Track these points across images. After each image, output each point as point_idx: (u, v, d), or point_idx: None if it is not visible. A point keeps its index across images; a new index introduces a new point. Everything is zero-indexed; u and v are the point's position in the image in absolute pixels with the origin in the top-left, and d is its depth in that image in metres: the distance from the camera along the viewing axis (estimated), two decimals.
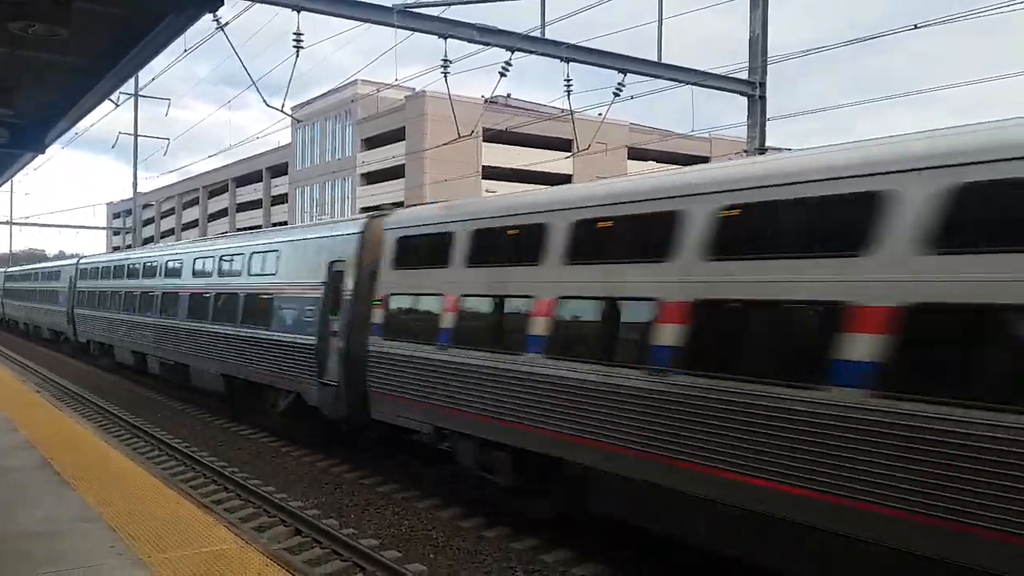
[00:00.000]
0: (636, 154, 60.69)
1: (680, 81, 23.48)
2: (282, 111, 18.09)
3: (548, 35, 19.88)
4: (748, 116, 24.22)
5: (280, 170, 77.70)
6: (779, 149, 23.85)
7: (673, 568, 8.34)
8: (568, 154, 35.16)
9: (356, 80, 58.75)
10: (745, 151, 24.50)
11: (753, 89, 23.92)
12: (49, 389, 21.37)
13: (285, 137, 75.88)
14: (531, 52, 19.82)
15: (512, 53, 19.13)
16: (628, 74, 21.84)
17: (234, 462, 13.86)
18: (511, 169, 54.49)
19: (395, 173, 60.02)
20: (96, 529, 6.95)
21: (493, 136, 48.82)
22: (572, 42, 20.68)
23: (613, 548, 8.90)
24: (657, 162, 58.52)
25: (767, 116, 24.21)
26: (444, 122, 47.84)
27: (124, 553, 6.34)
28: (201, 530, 7.02)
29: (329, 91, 68.26)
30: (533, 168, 48.70)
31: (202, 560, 6.23)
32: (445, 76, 18.20)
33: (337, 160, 67.90)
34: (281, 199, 77.30)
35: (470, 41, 18.29)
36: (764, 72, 24.00)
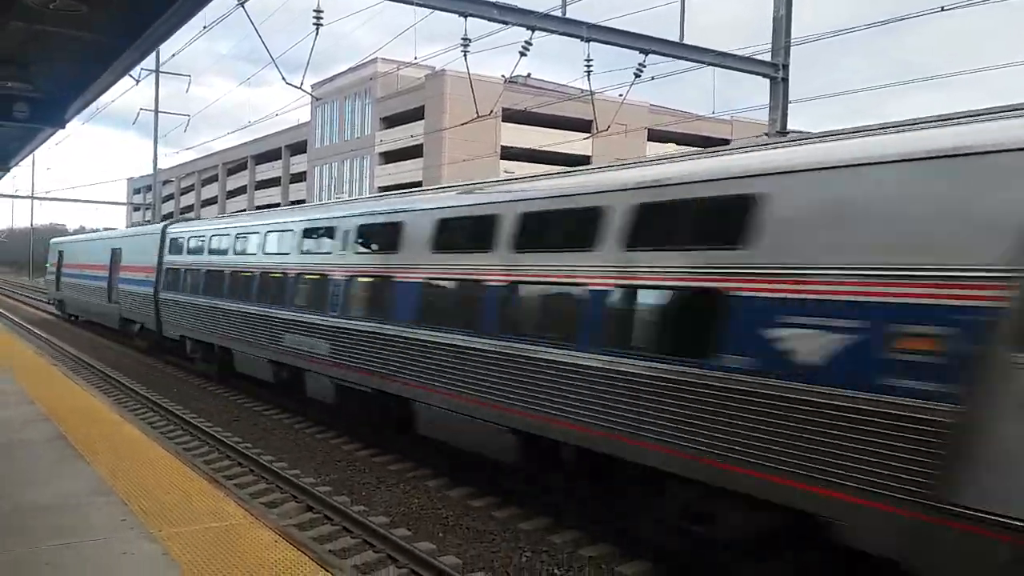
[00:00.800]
0: (656, 136, 60.35)
1: (702, 62, 23.27)
2: (301, 89, 18.07)
3: (569, 14, 19.74)
4: (770, 98, 24.01)
5: (299, 148, 77.80)
6: (802, 131, 23.62)
7: (677, 547, 8.33)
8: (587, 135, 34.95)
9: (376, 58, 58.63)
10: (767, 134, 24.31)
11: (776, 71, 23.68)
12: (64, 362, 21.57)
13: (304, 115, 75.96)
14: (552, 31, 19.65)
15: (532, 32, 18.98)
16: (649, 55, 21.66)
17: (248, 437, 13.96)
18: (529, 149, 54.27)
19: (414, 152, 59.93)
20: (108, 503, 7.01)
21: (512, 116, 48.58)
22: (593, 22, 20.49)
23: (620, 529, 8.90)
24: (678, 144, 58.14)
25: (789, 99, 24.00)
26: (463, 101, 47.85)
27: (135, 527, 6.40)
28: (212, 505, 7.07)
29: (349, 69, 68.16)
30: (551, 149, 48.51)
31: (212, 535, 6.27)
32: (465, 55, 18.11)
33: (356, 139, 67.89)
34: (300, 177, 77.46)
35: (490, 20, 18.16)
36: (787, 54, 23.75)
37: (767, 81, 24.04)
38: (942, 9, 18.37)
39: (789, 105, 24.15)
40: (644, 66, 21.57)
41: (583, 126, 51.50)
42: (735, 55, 23.69)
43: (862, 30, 20.83)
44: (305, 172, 75.81)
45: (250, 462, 12.07)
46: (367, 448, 13.11)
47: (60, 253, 37.68)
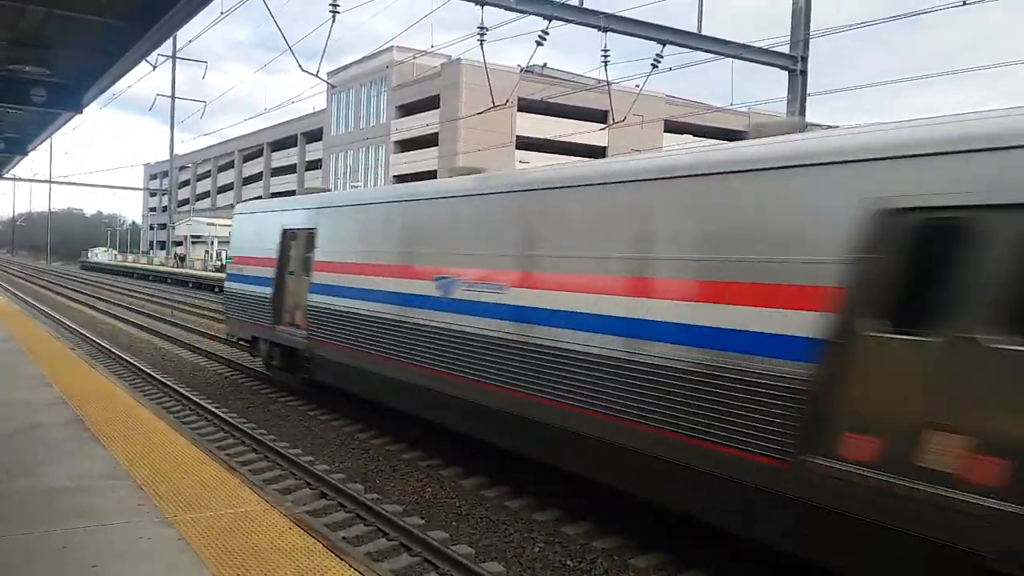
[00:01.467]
0: (673, 127, 60.06)
1: (720, 53, 23.12)
2: (317, 76, 18.06)
3: (586, 4, 19.64)
4: (788, 91, 23.89)
5: (315, 135, 77.96)
6: (820, 125, 23.49)
7: (689, 539, 8.31)
8: (603, 126, 34.86)
9: (392, 47, 58.61)
10: None
11: (794, 63, 23.52)
12: (83, 346, 21.71)
13: (320, 102, 76.04)
14: (569, 21, 19.53)
15: (549, 21, 18.87)
16: (667, 45, 21.53)
17: (263, 424, 14.02)
18: (545, 139, 54.14)
19: (429, 141, 59.90)
20: (123, 487, 7.03)
21: (528, 106, 48.45)
22: (610, 12, 20.36)
23: (632, 521, 8.88)
24: (694, 136, 57.87)
25: (808, 92, 23.85)
26: (479, 91, 47.91)
27: (151, 512, 6.42)
28: (227, 491, 7.09)
29: (364, 57, 68.18)
30: (567, 139, 48.43)
31: (227, 521, 6.29)
32: (481, 44, 18.05)
33: (371, 127, 67.89)
34: (316, 164, 77.58)
35: (507, 8, 18.05)
36: (806, 46, 23.59)
37: (782, 74, 23.89)
38: (964, 3, 18.18)
39: (815, 98, 23.98)
40: (661, 57, 21.44)
41: (599, 116, 51.35)
42: (753, 47, 23.54)
43: (875, 24, 20.63)
44: (320, 160, 75.93)
45: (265, 448, 12.11)
46: (381, 436, 13.14)
47: (290, 234, 16.22)
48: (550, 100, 43.09)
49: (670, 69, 24.59)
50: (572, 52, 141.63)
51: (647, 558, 8.23)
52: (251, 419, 14.38)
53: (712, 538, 8.08)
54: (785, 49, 23.88)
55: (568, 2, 19.42)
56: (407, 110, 63.80)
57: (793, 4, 23.31)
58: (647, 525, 8.78)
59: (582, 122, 53.30)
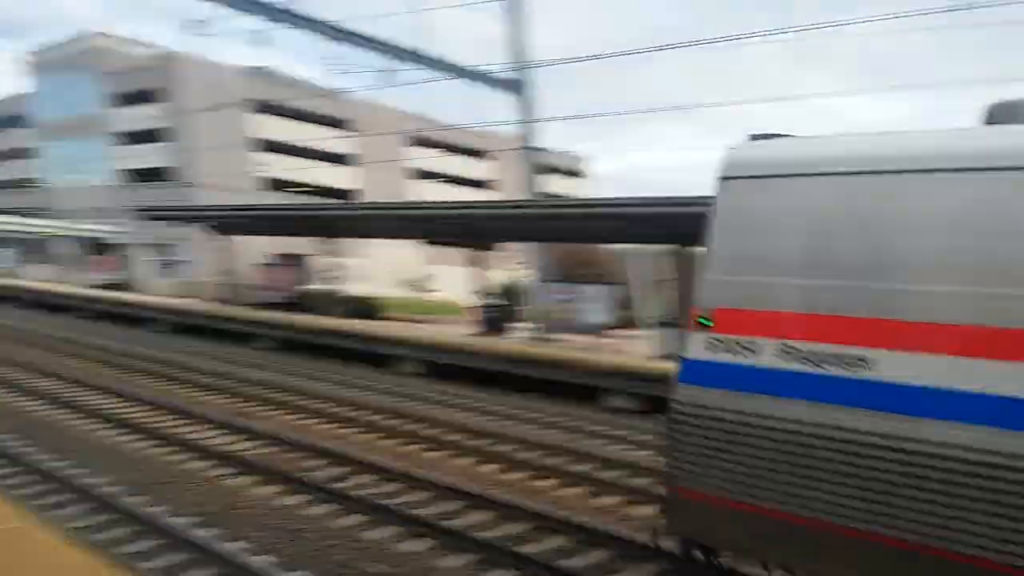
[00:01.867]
0: (415, 141, 62.15)
1: (447, 73, 24.61)
2: None
3: (323, 14, 20.10)
4: (516, 114, 25.89)
5: (15, 121, 71.06)
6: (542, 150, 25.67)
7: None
8: (345, 134, 35.71)
9: (97, 32, 55.32)
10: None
11: (518, 88, 25.57)
12: None
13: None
14: (296, 27, 20.10)
15: (275, 23, 19.32)
16: (396, 60, 22.71)
17: (26, 436, 12.97)
18: (283, 143, 53.60)
19: (155, 136, 57.20)
20: None
21: (267, 108, 47.78)
22: (335, 22, 20.94)
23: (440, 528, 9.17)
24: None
25: (534, 116, 25.98)
26: (205, 87, 46.23)
27: None
28: None
29: (70, 39, 63.52)
30: (310, 145, 48.38)
31: None
32: (198, 37, 17.91)
33: (90, 116, 63.29)
34: (21, 153, 70.85)
35: (231, 7, 18.27)
36: (528, 72, 25.51)
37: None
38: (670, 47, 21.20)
39: (543, 123, 25.93)
40: (393, 71, 22.69)
41: (336, 123, 51.72)
42: (476, 72, 25.21)
43: (585, 61, 23.41)
44: (25, 148, 69.57)
45: (29, 463, 11.26)
46: (160, 446, 12.61)
47: None
48: (286, 103, 43.08)
49: (407, 84, 25.55)
50: (298, 57, 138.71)
51: (456, 558, 8.46)
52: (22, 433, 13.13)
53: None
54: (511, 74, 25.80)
55: (291, 9, 19.76)
56: (126, 100, 60.11)
57: (511, 35, 25.05)
58: (453, 530, 9.15)
59: (321, 127, 53.21)
